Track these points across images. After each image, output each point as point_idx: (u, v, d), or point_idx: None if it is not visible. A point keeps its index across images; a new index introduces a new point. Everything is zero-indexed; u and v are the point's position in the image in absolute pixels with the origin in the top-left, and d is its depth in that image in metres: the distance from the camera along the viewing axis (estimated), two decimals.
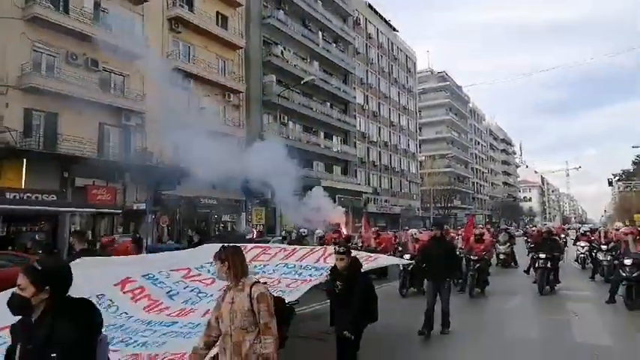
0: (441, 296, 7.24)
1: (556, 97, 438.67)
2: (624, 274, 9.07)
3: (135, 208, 20.58)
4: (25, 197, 16.51)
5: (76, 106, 18.75)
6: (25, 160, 17.05)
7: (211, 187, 22.37)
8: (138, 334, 4.47)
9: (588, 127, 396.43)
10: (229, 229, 24.25)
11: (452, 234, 16.04)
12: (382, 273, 13.53)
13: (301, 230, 16.05)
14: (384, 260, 8.14)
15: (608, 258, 12.40)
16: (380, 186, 44.72)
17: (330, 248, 7.02)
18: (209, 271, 6.45)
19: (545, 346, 6.66)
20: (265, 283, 5.94)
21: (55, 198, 17.40)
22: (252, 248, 7.30)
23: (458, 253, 12.31)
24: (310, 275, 5.93)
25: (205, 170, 13.90)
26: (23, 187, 16.90)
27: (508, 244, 18.03)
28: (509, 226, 56.70)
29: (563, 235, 27.80)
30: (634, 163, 51.34)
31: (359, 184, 39.29)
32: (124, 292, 5.39)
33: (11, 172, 16.89)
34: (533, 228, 32.80)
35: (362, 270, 6.43)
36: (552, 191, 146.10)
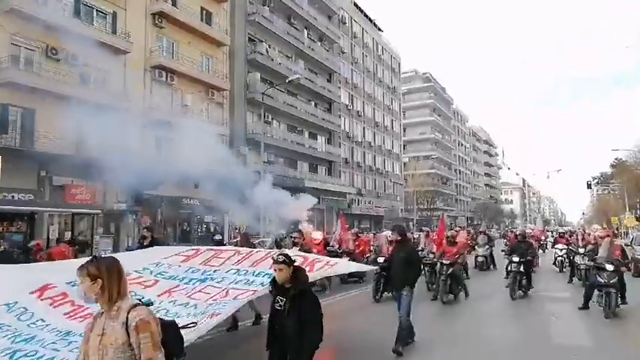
0: (399, 306, 6.54)
1: (539, 99, 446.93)
2: (602, 280, 8.59)
3: (116, 208, 20.15)
4: (0, 196, 16.01)
5: (55, 101, 18.23)
6: (0, 157, 16.51)
7: (193, 187, 22.11)
8: (47, 346, 4.03)
9: (569, 129, 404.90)
10: (212, 230, 23.89)
11: (431, 236, 15.80)
12: (359, 277, 13.15)
13: (280, 233, 15.16)
14: (344, 267, 7.41)
15: (586, 261, 12.11)
16: (364, 187, 44.79)
17: (289, 252, 6.75)
18: (151, 272, 6.19)
19: (521, 351, 6.63)
20: (211, 295, 5.34)
21: (32, 197, 16.91)
22: (205, 251, 7.01)
23: (432, 257, 11.97)
24: (262, 284, 5.47)
25: (117, 160, 12.21)
26: None
27: (487, 246, 17.97)
28: (490, 228, 57.49)
29: (543, 238, 28.11)
30: (612, 165, 52.42)
31: (343, 184, 39.26)
32: (41, 299, 4.92)
33: None
34: (514, 230, 32.32)
35: (321, 277, 5.92)
36: (533, 193, 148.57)
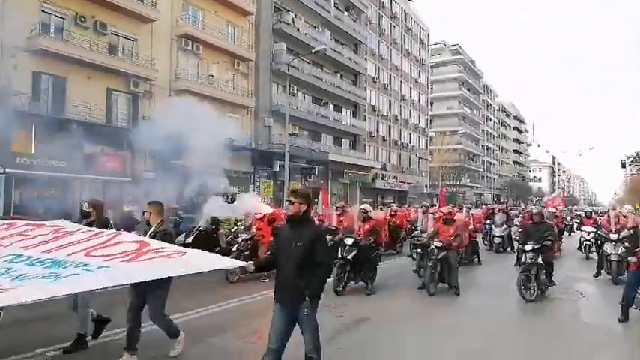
0: (302, 328, 3.92)
1: (574, 78, 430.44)
2: None
3: (145, 177, 20.51)
4: (34, 163, 16.50)
5: (85, 70, 18.54)
6: (34, 124, 16.94)
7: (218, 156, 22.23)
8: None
9: (603, 108, 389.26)
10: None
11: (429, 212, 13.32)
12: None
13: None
14: (184, 263, 4.09)
15: (619, 251, 9.93)
16: (389, 161, 44.39)
17: (126, 235, 4.96)
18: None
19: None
20: None
21: (64, 164, 17.36)
22: (21, 225, 5.30)
23: (424, 237, 10.03)
24: (35, 278, 3.61)
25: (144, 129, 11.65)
26: (33, 152, 16.88)
27: (505, 226, 16.80)
28: (517, 206, 56.33)
29: (569, 218, 25.50)
30: None
31: (368, 159, 38.99)
32: None
33: (21, 137, 16.81)
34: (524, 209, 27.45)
35: (143, 279, 3.95)
36: (563, 172, 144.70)
